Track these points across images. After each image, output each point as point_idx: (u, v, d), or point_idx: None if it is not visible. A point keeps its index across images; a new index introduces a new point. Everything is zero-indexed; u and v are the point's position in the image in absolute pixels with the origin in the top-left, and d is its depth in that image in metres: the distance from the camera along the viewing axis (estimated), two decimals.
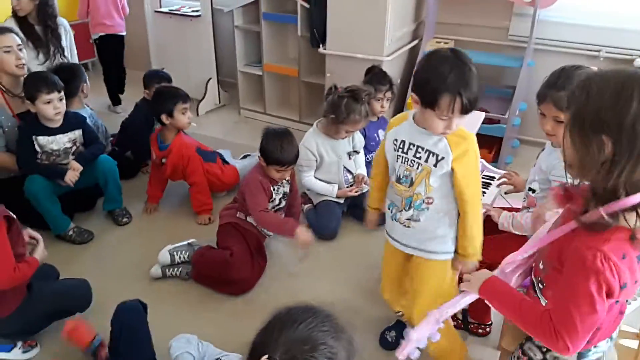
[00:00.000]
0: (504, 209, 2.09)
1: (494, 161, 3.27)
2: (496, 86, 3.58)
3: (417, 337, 1.34)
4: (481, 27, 3.51)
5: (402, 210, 1.71)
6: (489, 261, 2.05)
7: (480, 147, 2.84)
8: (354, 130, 2.75)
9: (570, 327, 1.15)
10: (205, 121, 4.20)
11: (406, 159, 1.64)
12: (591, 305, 1.12)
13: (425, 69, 1.51)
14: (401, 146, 1.65)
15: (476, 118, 2.29)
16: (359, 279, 2.49)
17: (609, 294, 1.13)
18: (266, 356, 0.98)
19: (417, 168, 1.63)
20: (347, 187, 2.87)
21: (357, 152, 2.87)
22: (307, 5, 3.58)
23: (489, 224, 2.04)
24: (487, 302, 1.35)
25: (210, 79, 4.25)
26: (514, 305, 1.28)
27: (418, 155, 1.62)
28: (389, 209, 1.78)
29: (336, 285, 2.45)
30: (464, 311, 2.22)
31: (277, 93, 4.18)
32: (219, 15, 4.11)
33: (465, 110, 1.48)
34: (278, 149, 2.37)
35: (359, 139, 2.88)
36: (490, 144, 3.37)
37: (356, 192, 2.83)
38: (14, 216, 1.88)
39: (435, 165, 1.60)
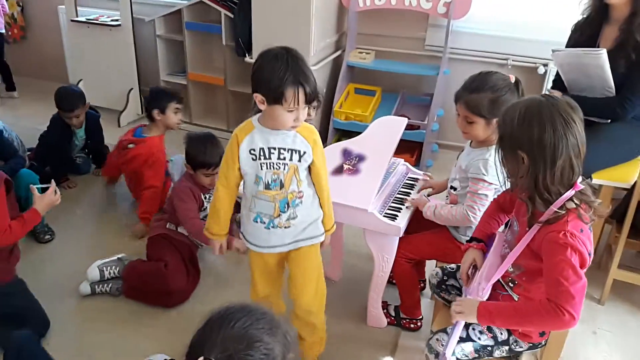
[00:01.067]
0: None
1: (415, 165, 3.43)
2: (415, 94, 3.77)
3: None
4: (399, 38, 3.69)
5: (279, 216, 1.75)
6: (418, 257, 2.19)
7: (401, 152, 3.04)
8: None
9: (568, 297, 1.33)
10: None
11: (271, 164, 1.69)
12: (576, 273, 1.33)
13: (264, 69, 1.57)
14: (262, 153, 1.68)
15: (399, 124, 2.41)
16: None
17: (582, 265, 1.34)
18: (202, 358, 0.99)
19: (284, 169, 1.69)
20: None
21: None
22: (231, 15, 3.61)
23: (415, 223, 2.16)
24: (489, 322, 1.51)
25: (131, 89, 4.15)
26: (513, 313, 1.45)
27: (282, 156, 1.68)
28: (257, 222, 1.78)
29: None
30: (396, 307, 2.32)
31: (203, 102, 4.15)
32: (140, 25, 4.03)
33: (308, 100, 1.58)
34: (202, 152, 2.39)
35: None
36: (411, 149, 3.54)
37: None
38: (12, 182, 2.04)
39: (299, 161, 1.70)
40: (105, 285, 2.38)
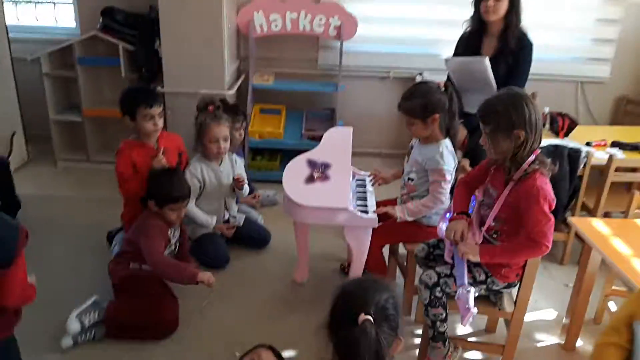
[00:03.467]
0: (390, 202, 2.58)
1: None
2: (315, 109, 4.14)
3: (470, 307, 1.87)
4: (294, 60, 4.03)
5: None
6: (389, 243, 2.57)
7: None
8: (219, 137, 2.78)
9: (543, 233, 1.83)
10: (17, 179, 3.74)
11: None
12: (546, 215, 1.83)
13: None
14: None
15: (347, 132, 2.72)
16: (264, 299, 2.67)
17: (550, 207, 1.83)
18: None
19: None
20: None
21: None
22: (131, 48, 3.59)
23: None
24: (490, 260, 1.95)
25: (14, 132, 3.82)
26: (506, 250, 1.92)
27: None
28: None
29: (244, 308, 2.59)
30: None
31: (101, 138, 4.00)
32: (21, 64, 3.74)
33: None
34: (170, 186, 2.41)
35: (240, 164, 3.05)
36: None
37: (230, 234, 2.96)
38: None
39: None
40: (89, 333, 2.28)
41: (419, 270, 2.36)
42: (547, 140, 3.04)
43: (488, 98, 1.93)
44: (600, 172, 2.85)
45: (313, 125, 3.91)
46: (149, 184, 2.46)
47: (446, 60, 3.16)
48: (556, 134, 3.25)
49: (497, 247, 1.96)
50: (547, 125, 3.33)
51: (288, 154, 3.92)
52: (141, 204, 2.53)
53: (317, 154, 2.60)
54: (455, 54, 3.20)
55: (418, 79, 4.03)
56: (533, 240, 1.83)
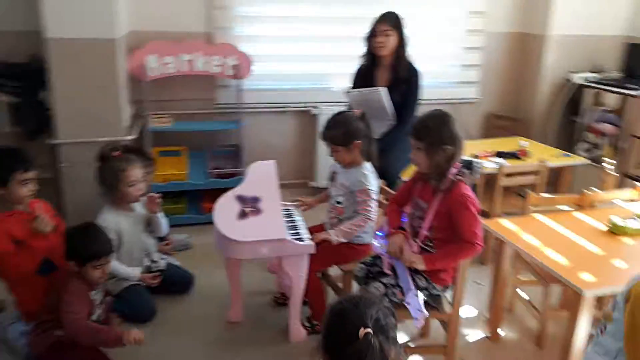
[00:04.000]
0: (317, 228, 2.68)
1: None
2: (219, 147, 4.13)
3: (422, 309, 2.04)
4: (193, 100, 4.01)
5: None
6: (325, 267, 2.64)
7: None
8: (137, 179, 2.72)
9: (476, 235, 2.07)
10: None
11: None
12: (476, 218, 2.08)
13: None
14: None
15: (269, 166, 2.75)
16: (200, 345, 2.59)
17: (477, 211, 2.06)
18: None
19: None
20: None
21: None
22: (14, 100, 3.32)
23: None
24: (433, 266, 2.13)
25: None
26: (445, 255, 2.11)
27: None
28: None
29: (181, 358, 2.50)
30: (307, 318, 2.67)
31: None
32: None
33: None
34: (91, 242, 2.23)
35: None
36: None
37: (157, 283, 2.80)
38: None
39: None
40: None
41: (355, 288, 2.49)
42: None
43: (419, 117, 2.15)
44: (487, 179, 3.24)
45: (218, 164, 3.90)
46: (67, 243, 2.26)
47: (347, 92, 3.38)
48: None
49: (436, 254, 2.14)
50: None
51: (193, 195, 3.88)
52: (41, 276, 2.34)
53: (244, 189, 2.62)
54: (354, 86, 3.45)
55: (313, 112, 4.24)
56: (468, 242, 2.04)
